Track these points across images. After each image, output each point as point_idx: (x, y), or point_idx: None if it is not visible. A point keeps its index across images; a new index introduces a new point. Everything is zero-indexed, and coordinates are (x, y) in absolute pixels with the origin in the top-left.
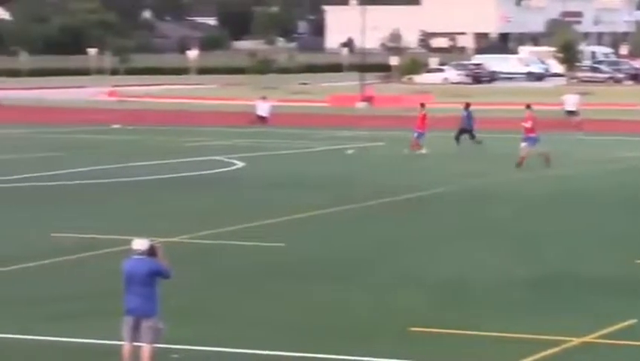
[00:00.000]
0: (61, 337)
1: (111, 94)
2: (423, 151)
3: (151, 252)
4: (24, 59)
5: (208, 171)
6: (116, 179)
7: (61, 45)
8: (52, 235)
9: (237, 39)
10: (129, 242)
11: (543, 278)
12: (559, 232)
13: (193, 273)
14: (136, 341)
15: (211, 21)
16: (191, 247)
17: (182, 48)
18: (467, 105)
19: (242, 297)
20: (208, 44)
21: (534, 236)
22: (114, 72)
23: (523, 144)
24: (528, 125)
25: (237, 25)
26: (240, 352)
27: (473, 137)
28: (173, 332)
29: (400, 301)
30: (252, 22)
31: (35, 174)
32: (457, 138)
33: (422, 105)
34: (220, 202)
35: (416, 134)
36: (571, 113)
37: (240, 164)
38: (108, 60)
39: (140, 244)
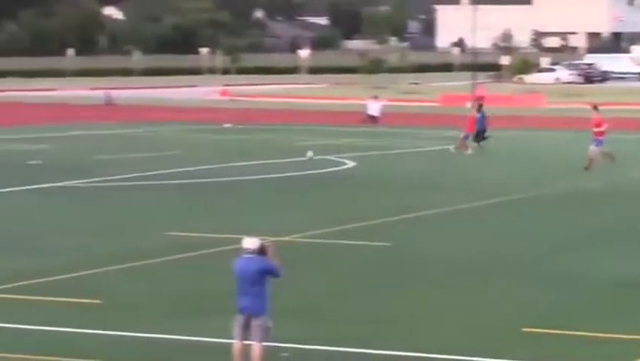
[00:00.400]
0: (173, 334)
1: (222, 93)
2: (469, 152)
3: (261, 251)
4: (137, 59)
5: (318, 171)
6: (227, 178)
7: (173, 44)
8: (165, 233)
9: (348, 39)
10: (239, 241)
11: None
12: None
13: (302, 272)
14: (247, 340)
15: (323, 21)
16: (301, 246)
17: (293, 47)
18: (480, 107)
19: (352, 296)
20: (319, 44)
21: None
22: (226, 72)
23: (593, 147)
24: (602, 128)
25: (348, 25)
26: (350, 351)
27: (483, 138)
28: (283, 330)
29: (513, 301)
30: (363, 21)
31: (148, 173)
32: (477, 140)
33: (480, 105)
34: (330, 201)
35: (463, 135)
36: None
37: (350, 163)
38: (220, 59)
39: (250, 242)
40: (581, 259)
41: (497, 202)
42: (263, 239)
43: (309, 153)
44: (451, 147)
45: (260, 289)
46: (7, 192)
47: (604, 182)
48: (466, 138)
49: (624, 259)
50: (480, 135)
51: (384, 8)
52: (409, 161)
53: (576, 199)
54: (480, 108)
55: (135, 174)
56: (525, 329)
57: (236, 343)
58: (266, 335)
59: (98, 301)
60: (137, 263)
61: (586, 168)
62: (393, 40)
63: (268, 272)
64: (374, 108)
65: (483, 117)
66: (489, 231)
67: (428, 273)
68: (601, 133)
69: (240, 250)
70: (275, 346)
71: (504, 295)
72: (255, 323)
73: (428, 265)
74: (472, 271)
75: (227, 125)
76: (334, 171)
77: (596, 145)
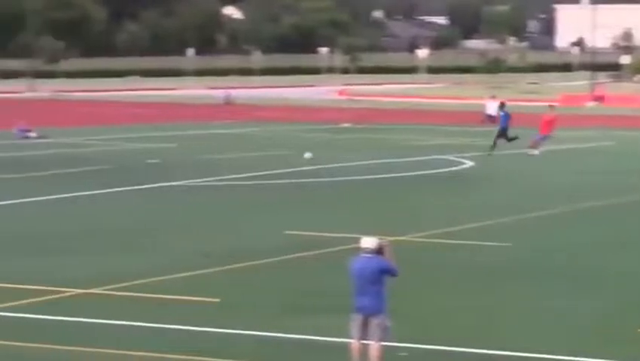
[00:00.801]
0: (291, 333)
1: (341, 93)
2: (536, 152)
3: (379, 250)
4: (256, 58)
5: (435, 170)
6: (346, 177)
7: (292, 44)
8: (284, 232)
9: (467, 38)
10: (357, 240)
11: None
12: None
13: (419, 271)
14: (365, 339)
15: (441, 20)
16: (419, 245)
17: (412, 47)
18: (503, 104)
19: (470, 296)
20: (438, 43)
21: None
22: (344, 71)
23: None
24: None
25: (467, 24)
26: (469, 351)
27: (507, 138)
28: (401, 329)
29: (632, 302)
30: (482, 21)
31: (265, 172)
32: (509, 139)
33: (551, 107)
34: (448, 201)
35: (538, 137)
36: None
37: (469, 163)
38: (339, 59)
39: (369, 242)
40: None
41: (617, 203)
42: (380, 238)
43: (307, 155)
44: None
45: (378, 289)
46: (125, 190)
47: None
48: (542, 139)
49: None
50: (503, 135)
51: (503, 8)
52: (528, 161)
53: None
54: (502, 107)
55: (252, 173)
56: None
57: (355, 342)
58: (384, 335)
59: (216, 300)
60: (256, 262)
61: None
62: (512, 40)
63: (386, 271)
64: (492, 108)
65: (507, 116)
66: (610, 231)
67: (546, 274)
68: None
69: (358, 250)
70: (393, 345)
71: (618, 297)
72: (374, 323)
73: (546, 265)
74: (591, 272)
75: (345, 125)
76: (452, 170)
77: None
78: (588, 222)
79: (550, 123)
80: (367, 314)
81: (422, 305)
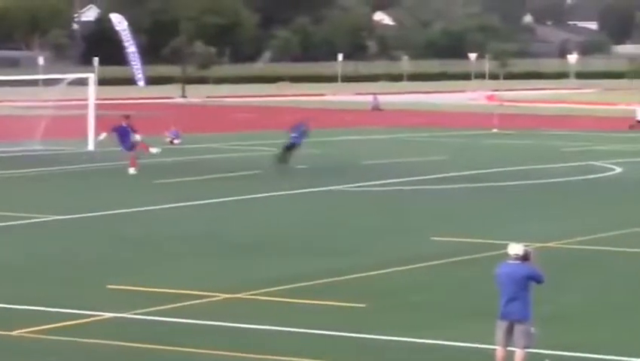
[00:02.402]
0: (434, 339)
1: (489, 98)
2: None
3: (525, 257)
4: (405, 64)
5: (585, 176)
6: (492, 183)
7: (442, 49)
8: (432, 238)
9: (618, 43)
10: (503, 247)
11: None
12: None
13: (566, 279)
14: (509, 346)
15: (592, 25)
16: (567, 252)
17: (562, 52)
18: None
19: (616, 304)
20: (589, 48)
21: None
22: (494, 76)
23: None
24: None
25: (618, 29)
26: (610, 358)
27: None
28: (546, 336)
29: None
30: (633, 26)
31: (415, 178)
32: None
33: None
34: (596, 208)
35: None
36: None
37: (618, 169)
38: (488, 64)
39: (516, 248)
40: None
41: None
42: (526, 245)
43: (154, 150)
44: None
45: (525, 295)
46: (274, 196)
47: None
48: None
49: None
50: None
51: None
52: None
53: None
54: None
55: (401, 179)
56: None
57: (499, 349)
58: (530, 341)
59: (362, 305)
60: (402, 268)
61: None
62: None
63: (533, 278)
64: None
65: None
66: None
67: None
68: None
69: (505, 256)
70: (537, 352)
71: None
72: (519, 329)
73: None
74: None
75: (494, 131)
76: (601, 177)
77: None
78: None
79: None
80: (513, 320)
81: (566, 312)
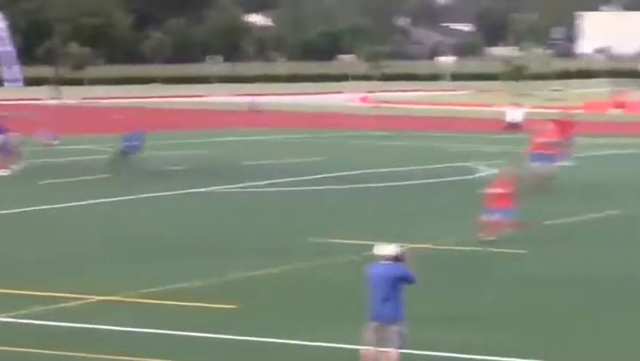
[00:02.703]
0: (307, 341)
1: (364, 100)
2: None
3: (398, 257)
4: (281, 65)
5: (459, 177)
6: (369, 184)
7: (318, 51)
8: (308, 239)
9: (491, 45)
10: (374, 247)
11: None
12: None
13: (440, 279)
14: (380, 347)
15: (466, 27)
16: (440, 253)
17: (436, 54)
18: None
19: (488, 304)
20: (462, 50)
21: None
22: (368, 78)
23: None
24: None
25: (492, 32)
26: (484, 358)
27: None
28: (420, 336)
29: None
30: (508, 29)
31: (292, 179)
32: None
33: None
34: (469, 208)
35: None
36: None
37: (489, 170)
38: (363, 66)
39: (387, 249)
40: None
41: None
42: (399, 246)
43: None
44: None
45: (397, 296)
46: (149, 197)
47: None
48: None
49: None
50: None
51: (530, 15)
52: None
53: None
54: None
55: (280, 180)
56: None
57: (369, 349)
58: (401, 342)
59: (233, 307)
60: (279, 269)
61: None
62: (537, 48)
63: (405, 279)
64: (515, 115)
65: None
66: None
67: (560, 280)
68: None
69: (375, 257)
70: (410, 353)
71: None
72: (392, 330)
73: (555, 272)
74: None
75: (370, 132)
76: (476, 177)
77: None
78: (616, 231)
79: (570, 127)
80: (385, 322)
81: (441, 313)
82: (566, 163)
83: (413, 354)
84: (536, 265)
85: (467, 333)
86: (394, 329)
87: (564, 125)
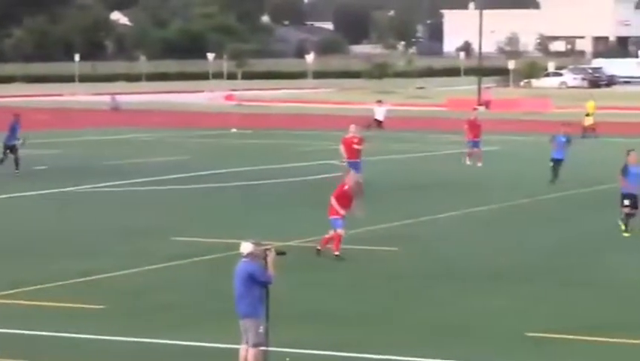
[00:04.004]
0: (178, 340)
1: (228, 98)
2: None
3: (255, 255)
4: (143, 64)
5: (323, 175)
6: (235, 183)
7: (180, 49)
8: (172, 238)
9: (355, 43)
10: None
11: None
12: None
13: (309, 276)
14: (245, 343)
15: (329, 25)
16: (309, 250)
17: (300, 52)
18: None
19: (356, 300)
20: (326, 48)
21: None
22: (232, 76)
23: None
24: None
25: (355, 30)
26: (346, 355)
27: None
28: (285, 334)
29: (523, 305)
30: (370, 26)
31: (155, 178)
32: None
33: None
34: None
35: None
36: None
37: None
38: (226, 64)
39: (244, 247)
40: (594, 263)
41: (504, 207)
42: (265, 244)
43: None
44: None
45: (251, 293)
46: (12, 197)
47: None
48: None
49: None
50: None
51: (391, 13)
52: (415, 165)
53: (591, 202)
54: None
55: (143, 179)
56: (529, 334)
57: (242, 347)
58: (259, 339)
59: (101, 307)
60: (142, 268)
61: None
62: (400, 45)
63: (254, 277)
64: (379, 112)
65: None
66: (502, 235)
67: (434, 277)
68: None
69: (239, 255)
70: (277, 351)
71: (518, 300)
72: (249, 327)
73: (435, 269)
74: (481, 276)
75: (233, 130)
76: (339, 176)
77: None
78: (479, 224)
79: (479, 127)
80: (242, 318)
81: (309, 310)
82: (479, 164)
83: (272, 351)
84: (406, 263)
85: (322, 330)
86: (251, 326)
87: (472, 126)
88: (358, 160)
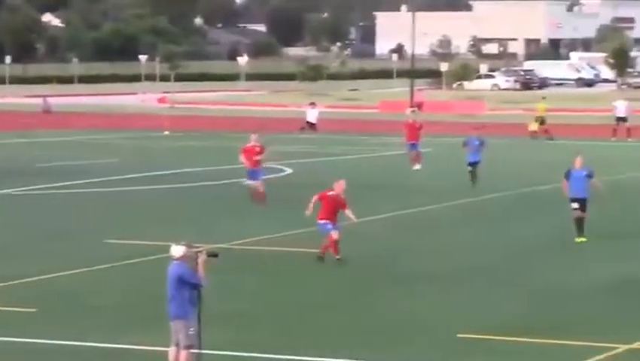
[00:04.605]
0: (111, 343)
1: (161, 100)
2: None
3: (186, 257)
4: (75, 66)
5: None
6: (168, 185)
7: (112, 51)
8: (104, 241)
9: (288, 45)
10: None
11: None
12: None
13: (237, 279)
14: (177, 345)
15: (262, 27)
16: (240, 253)
17: (233, 55)
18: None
19: (283, 303)
20: (259, 51)
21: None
22: (165, 79)
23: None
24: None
25: (288, 32)
26: (262, 356)
27: None
28: (214, 336)
29: (455, 307)
30: (303, 28)
31: (88, 180)
32: None
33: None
34: (268, 208)
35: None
36: (621, 119)
37: (288, 170)
38: (159, 66)
39: (175, 250)
40: (526, 265)
41: (437, 208)
42: (196, 246)
43: None
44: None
45: (180, 295)
46: None
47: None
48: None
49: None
50: None
51: (325, 15)
52: (347, 167)
53: (522, 204)
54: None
55: (75, 182)
56: (460, 335)
57: (171, 349)
58: (190, 341)
59: (33, 310)
60: (76, 271)
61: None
62: (334, 47)
63: (184, 280)
64: (312, 115)
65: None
66: (434, 237)
67: (362, 279)
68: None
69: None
70: (210, 353)
71: (444, 302)
72: (179, 329)
73: (363, 271)
74: (411, 278)
75: (165, 133)
76: (273, 178)
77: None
78: (410, 227)
79: (418, 129)
80: (174, 320)
81: (234, 312)
82: (416, 167)
83: (204, 354)
84: (333, 264)
85: (243, 332)
86: (181, 328)
87: (410, 128)
88: (259, 169)
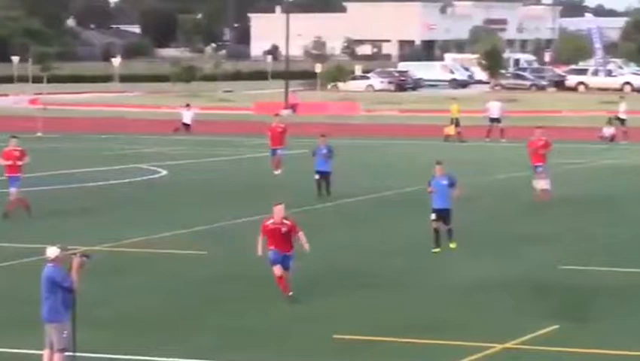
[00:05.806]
0: None
1: (33, 102)
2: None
3: (60, 260)
4: None
5: (131, 179)
6: (40, 188)
7: None
8: None
9: (162, 47)
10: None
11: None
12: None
13: (116, 281)
14: (51, 348)
15: (136, 29)
16: (117, 255)
17: (106, 56)
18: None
19: (164, 305)
20: (132, 52)
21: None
22: (37, 80)
23: None
24: None
25: (162, 33)
26: (139, 359)
27: None
28: (93, 339)
29: (330, 308)
30: (177, 29)
31: None
32: None
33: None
34: (144, 210)
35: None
36: (494, 120)
37: (163, 172)
38: (31, 68)
39: (49, 252)
40: (402, 267)
41: (309, 210)
42: (70, 249)
43: None
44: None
45: (54, 297)
46: None
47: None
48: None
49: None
50: None
51: (199, 16)
52: (222, 168)
53: (399, 204)
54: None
55: None
56: (336, 336)
57: (45, 351)
58: (63, 344)
59: None
60: None
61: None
62: (208, 48)
63: (56, 282)
64: (187, 116)
65: None
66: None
67: (243, 280)
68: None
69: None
70: (85, 356)
71: (320, 304)
72: (52, 331)
73: (243, 273)
74: (301, 280)
75: (38, 134)
76: (147, 179)
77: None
78: None
79: (281, 133)
80: (47, 323)
81: (115, 315)
82: (276, 172)
83: (78, 356)
84: (214, 266)
85: (126, 334)
86: (57, 330)
87: (273, 132)
88: (18, 175)
